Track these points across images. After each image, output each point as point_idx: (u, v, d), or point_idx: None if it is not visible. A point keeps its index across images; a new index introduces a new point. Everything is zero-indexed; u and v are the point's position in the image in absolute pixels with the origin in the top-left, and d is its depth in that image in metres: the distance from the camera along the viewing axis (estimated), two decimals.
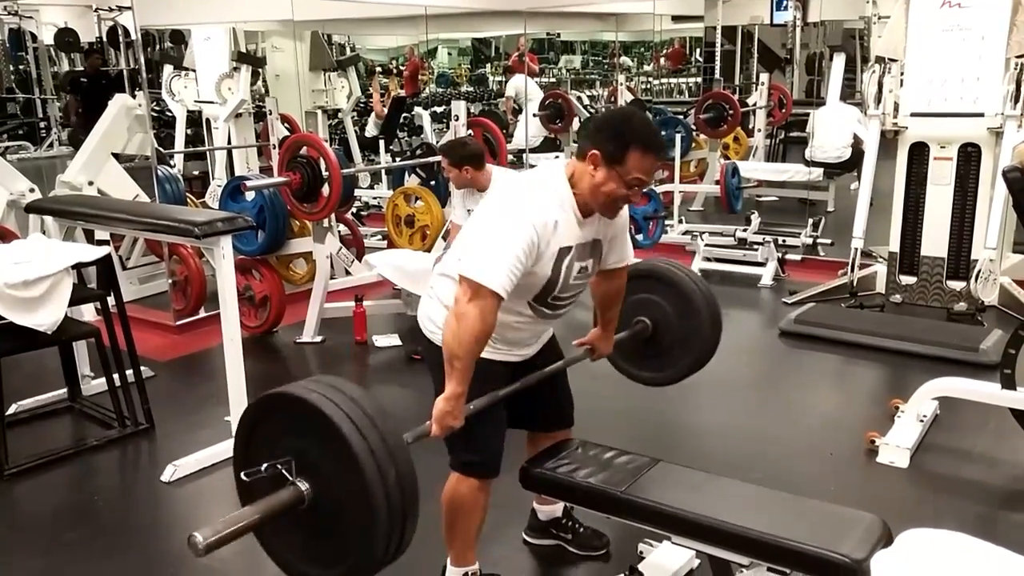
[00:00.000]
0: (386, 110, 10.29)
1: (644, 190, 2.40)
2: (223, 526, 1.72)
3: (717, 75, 10.51)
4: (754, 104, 9.06)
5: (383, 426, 1.78)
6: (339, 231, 6.00)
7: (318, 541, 1.87)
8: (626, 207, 2.41)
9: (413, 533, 1.83)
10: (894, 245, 5.56)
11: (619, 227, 2.47)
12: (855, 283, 5.59)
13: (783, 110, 9.10)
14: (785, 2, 9.18)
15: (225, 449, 3.67)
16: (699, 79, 12.04)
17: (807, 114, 8.50)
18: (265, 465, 1.81)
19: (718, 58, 10.73)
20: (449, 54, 15.44)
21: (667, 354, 2.94)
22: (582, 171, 2.25)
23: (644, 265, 2.90)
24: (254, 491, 1.84)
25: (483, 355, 2.25)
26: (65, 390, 4.29)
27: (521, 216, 2.19)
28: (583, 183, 2.25)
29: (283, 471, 1.81)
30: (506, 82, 11.57)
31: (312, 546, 1.88)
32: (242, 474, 1.86)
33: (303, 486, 1.81)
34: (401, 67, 13.07)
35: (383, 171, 8.72)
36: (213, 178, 7.27)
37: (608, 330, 2.76)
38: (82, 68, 8.99)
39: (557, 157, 8.35)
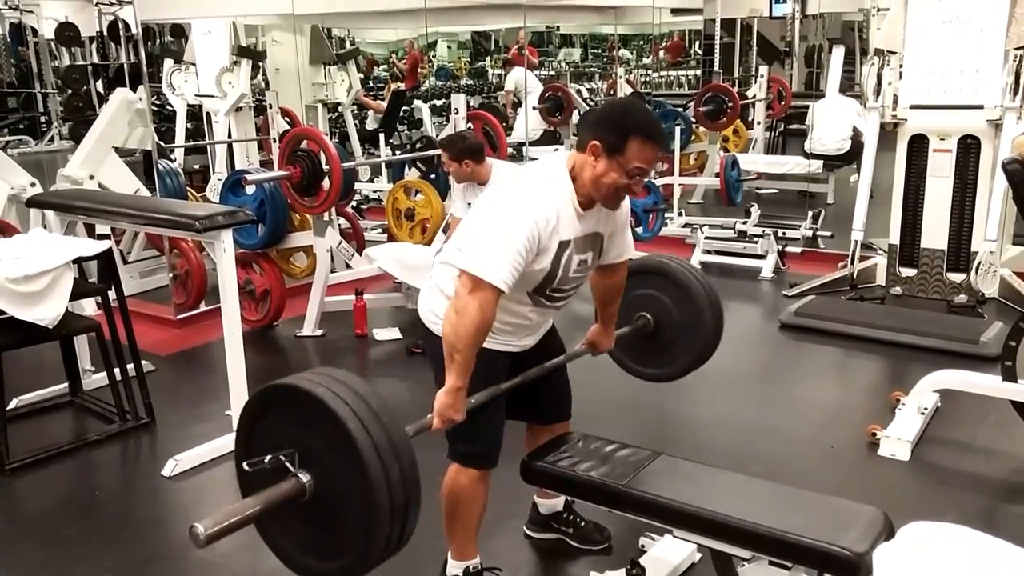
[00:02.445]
0: (384, 104, 10.27)
1: (645, 181, 2.40)
2: (224, 516, 1.72)
3: (716, 68, 10.48)
4: (753, 97, 9.05)
5: (387, 421, 1.78)
6: (339, 225, 5.99)
7: (319, 534, 1.86)
8: (627, 201, 2.42)
9: (414, 529, 1.83)
10: (894, 237, 5.56)
11: (620, 222, 2.47)
12: (855, 275, 5.59)
13: (782, 102, 9.10)
14: None
15: (226, 443, 3.67)
16: (698, 72, 12.02)
17: (806, 106, 8.48)
18: (268, 456, 1.81)
19: (717, 51, 10.71)
20: (449, 47, 15.41)
21: (670, 350, 2.95)
22: (583, 162, 2.24)
23: (643, 261, 2.90)
24: (255, 483, 1.83)
25: (484, 345, 2.25)
26: (66, 384, 4.29)
27: (522, 210, 2.19)
28: (584, 174, 2.24)
29: (286, 463, 1.80)
30: (505, 75, 11.56)
31: (313, 539, 1.88)
32: (244, 464, 1.85)
33: (305, 478, 1.80)
34: (402, 62, 13.04)
35: (383, 165, 8.71)
36: (214, 172, 7.25)
37: (608, 326, 2.77)
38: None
39: (557, 150, 8.35)
